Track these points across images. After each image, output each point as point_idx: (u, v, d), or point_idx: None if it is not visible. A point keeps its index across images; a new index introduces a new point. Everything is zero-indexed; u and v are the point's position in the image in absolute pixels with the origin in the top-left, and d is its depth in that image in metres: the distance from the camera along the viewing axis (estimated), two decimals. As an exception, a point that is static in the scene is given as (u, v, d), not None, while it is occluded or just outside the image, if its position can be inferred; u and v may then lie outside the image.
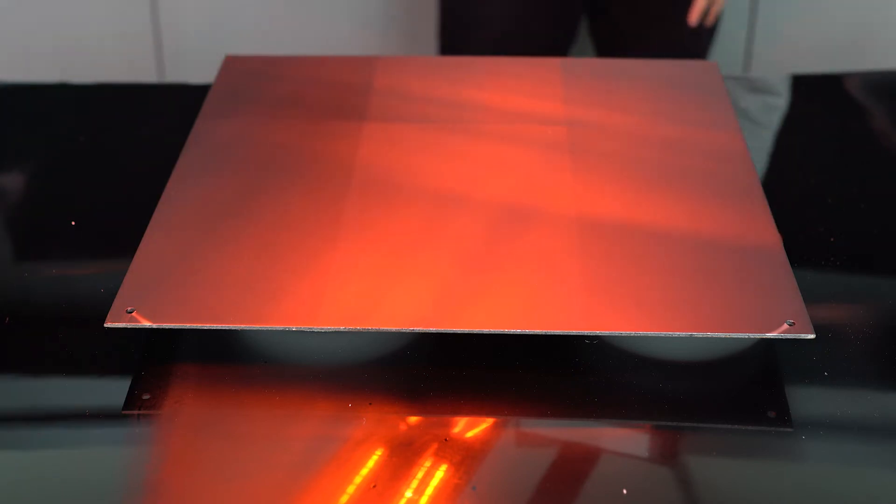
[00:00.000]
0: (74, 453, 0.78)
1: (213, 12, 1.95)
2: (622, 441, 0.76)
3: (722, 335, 0.77)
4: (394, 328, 0.78)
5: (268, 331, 0.80)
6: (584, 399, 0.78)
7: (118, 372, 0.81)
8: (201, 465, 0.74)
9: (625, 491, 0.72)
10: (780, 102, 1.18)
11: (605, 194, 0.91)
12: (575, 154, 0.97)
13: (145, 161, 1.07)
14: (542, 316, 0.78)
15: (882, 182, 1.05)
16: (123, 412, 0.77)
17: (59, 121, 1.13)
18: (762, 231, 0.87)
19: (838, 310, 0.88)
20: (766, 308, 0.79)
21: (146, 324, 0.78)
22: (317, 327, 0.78)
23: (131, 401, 0.78)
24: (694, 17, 1.50)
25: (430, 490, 0.71)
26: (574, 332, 0.77)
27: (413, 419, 0.76)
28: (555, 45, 1.57)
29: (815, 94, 1.21)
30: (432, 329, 0.78)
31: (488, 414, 0.76)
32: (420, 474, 0.72)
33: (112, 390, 0.79)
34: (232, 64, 1.12)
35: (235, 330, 0.79)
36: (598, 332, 0.78)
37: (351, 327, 0.78)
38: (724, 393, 0.79)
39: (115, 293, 0.81)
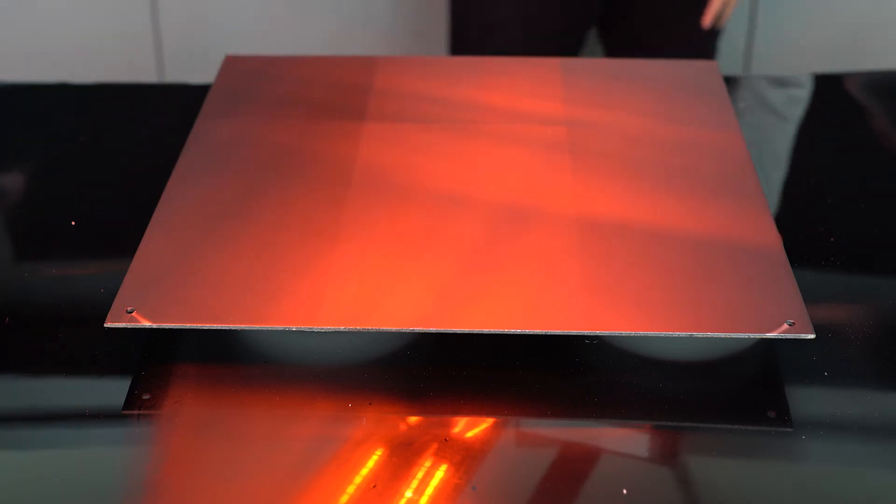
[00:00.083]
0: (74, 453, 0.77)
1: (213, 12, 1.94)
2: (622, 441, 0.76)
3: (722, 335, 0.77)
4: (394, 328, 0.78)
5: (268, 331, 0.80)
6: (584, 399, 0.78)
7: (118, 372, 0.81)
8: (201, 465, 0.74)
9: (625, 491, 0.72)
10: (803, 94, 1.18)
11: (605, 194, 0.91)
12: (575, 154, 0.97)
13: (145, 161, 1.06)
14: (542, 316, 0.78)
15: (882, 182, 1.05)
16: (123, 412, 0.77)
17: (59, 121, 1.13)
18: (762, 231, 0.87)
19: (838, 310, 0.88)
20: (766, 308, 0.79)
21: (146, 324, 0.78)
22: (317, 327, 0.78)
23: (131, 401, 0.78)
24: (708, 20, 1.50)
25: (430, 490, 0.71)
26: (574, 332, 0.77)
27: (413, 419, 0.76)
28: (564, 54, 1.57)
29: (815, 94, 1.21)
30: (432, 329, 0.78)
31: (488, 414, 0.76)
32: (420, 474, 0.72)
33: (112, 390, 0.79)
34: (232, 64, 1.12)
35: (235, 330, 0.79)
36: (598, 332, 0.78)
37: (351, 327, 0.78)
38: (724, 393, 0.79)
39: (115, 293, 0.81)
